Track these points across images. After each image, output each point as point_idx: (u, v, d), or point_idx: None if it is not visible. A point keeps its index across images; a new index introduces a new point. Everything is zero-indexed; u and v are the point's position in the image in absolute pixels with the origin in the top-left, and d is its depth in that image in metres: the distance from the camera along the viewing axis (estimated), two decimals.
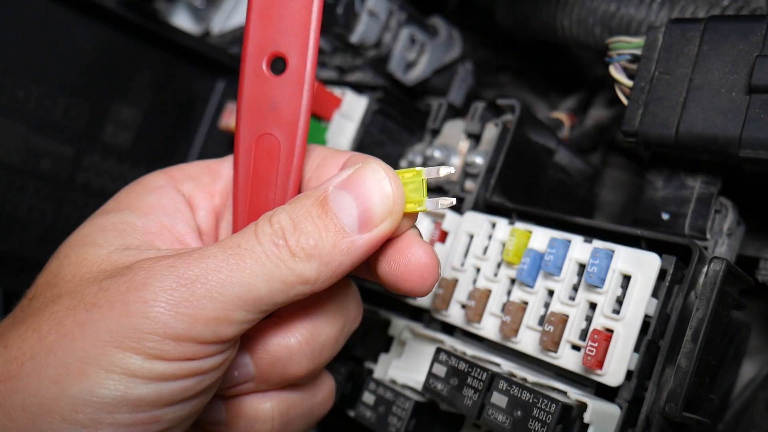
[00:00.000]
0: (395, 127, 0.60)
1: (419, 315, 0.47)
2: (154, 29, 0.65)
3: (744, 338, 0.45)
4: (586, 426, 0.35)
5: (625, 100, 0.42)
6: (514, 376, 0.38)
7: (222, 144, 0.71)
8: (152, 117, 0.71)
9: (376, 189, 0.32)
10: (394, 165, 0.61)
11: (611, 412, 0.36)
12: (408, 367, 0.45)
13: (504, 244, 0.43)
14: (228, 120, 0.64)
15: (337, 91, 0.58)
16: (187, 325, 0.29)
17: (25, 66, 0.63)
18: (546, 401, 0.34)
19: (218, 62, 0.71)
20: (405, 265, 0.33)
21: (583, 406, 0.35)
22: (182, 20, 0.86)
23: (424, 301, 0.46)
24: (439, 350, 0.40)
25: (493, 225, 0.44)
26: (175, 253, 0.31)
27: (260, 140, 0.36)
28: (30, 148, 0.64)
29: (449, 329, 0.46)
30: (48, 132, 0.65)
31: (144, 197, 0.36)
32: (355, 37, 0.61)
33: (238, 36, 0.74)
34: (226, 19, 0.81)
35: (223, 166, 0.40)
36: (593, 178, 0.56)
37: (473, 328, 0.43)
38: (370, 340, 0.45)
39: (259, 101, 0.36)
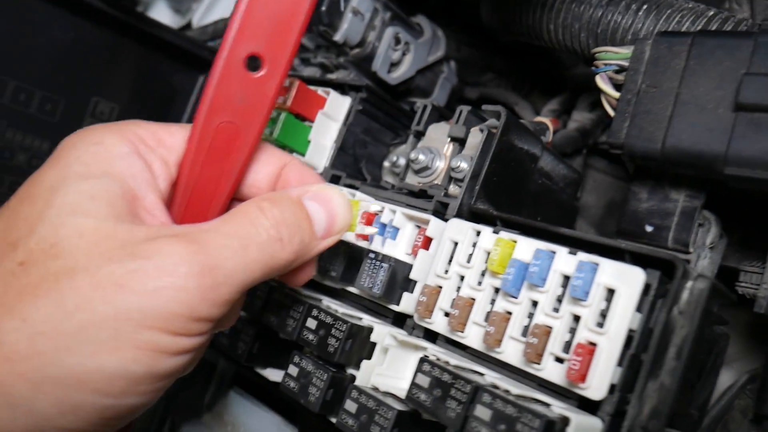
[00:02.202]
0: (379, 127, 0.59)
1: (402, 321, 0.47)
2: (133, 23, 0.64)
3: (722, 349, 0.46)
4: None
5: (611, 112, 0.42)
6: (498, 387, 0.38)
7: None
8: (131, 112, 0.70)
9: (341, 208, 0.40)
10: (378, 166, 0.61)
11: (593, 425, 0.36)
12: (390, 374, 0.45)
13: (488, 253, 0.42)
14: None
15: (320, 91, 0.58)
16: (209, 307, 0.33)
17: (0, 59, 0.62)
18: (530, 416, 0.34)
19: (199, 57, 0.69)
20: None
21: (566, 420, 0.35)
22: (162, 10, 0.85)
23: (407, 308, 0.46)
24: (422, 360, 0.40)
25: (478, 233, 0.44)
26: (182, 234, 0.33)
27: (219, 127, 0.39)
28: (5, 142, 0.63)
29: (432, 336, 0.46)
30: (24, 126, 0.64)
31: (115, 163, 0.36)
32: (339, 36, 0.60)
33: (219, 29, 0.72)
34: (206, 11, 0.79)
35: (173, 137, 0.40)
36: (577, 183, 0.57)
37: (457, 337, 0.43)
38: (352, 347, 0.45)
39: (229, 93, 0.38)
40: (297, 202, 0.38)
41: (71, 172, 0.35)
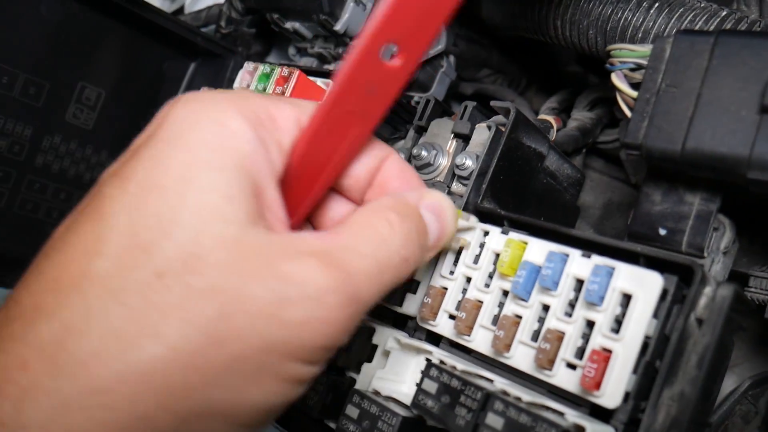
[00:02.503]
0: None
1: (404, 323, 0.46)
2: (123, 4, 0.61)
3: (729, 354, 0.45)
4: None
5: (627, 111, 0.41)
6: (508, 394, 0.37)
7: None
8: (118, 98, 0.67)
9: (451, 222, 0.39)
10: None
11: None
12: (392, 378, 0.44)
13: (497, 255, 0.41)
14: None
15: (319, 82, 0.56)
16: (346, 336, 0.32)
17: None
18: (545, 425, 0.33)
19: (191, 43, 0.67)
20: None
21: (581, 429, 0.34)
22: None
23: (410, 309, 0.45)
24: (430, 365, 0.38)
25: (486, 233, 0.43)
26: (322, 253, 0.31)
27: (341, 115, 0.36)
28: None
29: (434, 339, 0.44)
30: (6, 110, 0.61)
31: (243, 152, 0.31)
32: (339, 26, 0.58)
33: (213, 14, 0.70)
34: None
35: (283, 116, 0.35)
36: (580, 184, 0.55)
37: (463, 341, 0.41)
38: (353, 349, 0.43)
39: (361, 82, 0.35)
40: (418, 215, 0.36)
41: (200, 160, 0.30)
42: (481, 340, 0.41)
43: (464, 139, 0.51)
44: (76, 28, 0.63)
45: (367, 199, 0.40)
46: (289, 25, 0.62)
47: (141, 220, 0.28)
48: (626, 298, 0.36)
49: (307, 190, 0.37)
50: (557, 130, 0.59)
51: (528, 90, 0.82)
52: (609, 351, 0.35)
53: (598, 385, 0.35)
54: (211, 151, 0.30)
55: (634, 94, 0.40)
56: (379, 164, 0.39)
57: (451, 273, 0.43)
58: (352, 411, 0.41)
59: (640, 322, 0.35)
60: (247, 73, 0.58)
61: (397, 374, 0.44)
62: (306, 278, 0.29)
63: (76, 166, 0.66)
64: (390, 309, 0.46)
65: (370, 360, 0.44)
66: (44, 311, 0.28)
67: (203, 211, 0.29)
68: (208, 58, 0.69)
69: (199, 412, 0.28)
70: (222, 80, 0.66)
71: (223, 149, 0.31)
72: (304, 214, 0.38)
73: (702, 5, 0.50)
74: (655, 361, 0.36)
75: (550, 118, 0.57)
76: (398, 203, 0.36)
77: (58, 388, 0.26)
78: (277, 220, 0.33)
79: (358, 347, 0.44)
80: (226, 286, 0.28)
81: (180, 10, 0.77)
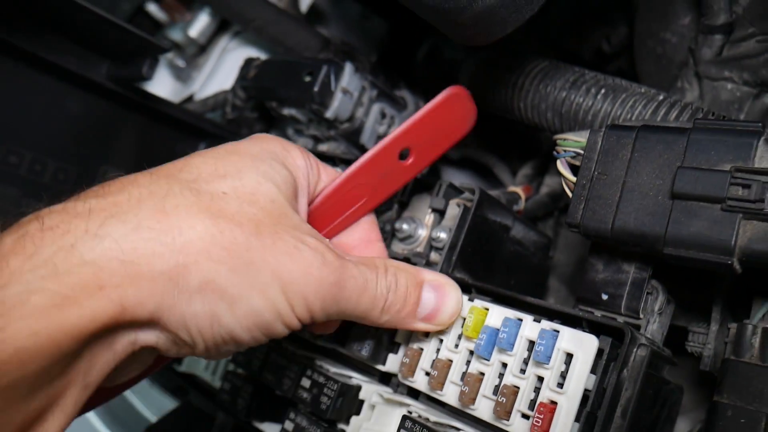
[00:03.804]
0: None
1: (388, 379, 0.52)
2: (137, 99, 0.69)
3: (677, 401, 0.51)
4: None
5: (569, 194, 0.47)
6: None
7: None
8: None
9: (451, 307, 0.47)
10: None
11: None
12: (377, 428, 0.50)
13: (464, 319, 0.48)
14: None
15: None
16: (318, 309, 0.40)
17: (17, 133, 0.67)
18: None
19: (198, 127, 0.75)
20: None
21: None
22: (164, 78, 0.91)
23: (392, 368, 0.51)
24: (404, 418, 0.45)
25: None
26: (335, 246, 0.43)
27: (357, 185, 0.50)
28: (23, 211, 0.68)
29: (415, 393, 0.51)
30: (39, 194, 0.69)
31: (296, 165, 0.45)
32: (329, 113, 0.66)
33: (220, 100, 0.78)
34: (206, 81, 0.85)
35: (325, 173, 0.50)
36: (547, 247, 0.62)
37: (436, 395, 0.47)
38: (343, 404, 0.50)
39: (376, 168, 0.50)
40: (418, 283, 0.46)
41: (267, 153, 0.43)
42: (451, 394, 0.47)
43: (440, 213, 0.58)
44: (97, 119, 0.71)
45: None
46: (286, 111, 0.70)
47: (222, 165, 0.40)
48: (569, 357, 0.43)
49: (323, 227, 0.49)
50: (526, 199, 0.66)
51: (510, 154, 0.89)
52: (555, 403, 0.42)
53: None
54: (275, 154, 0.44)
55: (574, 179, 0.47)
56: (368, 236, 0.52)
57: (426, 336, 0.50)
58: None
59: (580, 378, 0.42)
60: None
61: (381, 425, 0.50)
62: (318, 250, 0.40)
63: None
64: (375, 368, 0.52)
65: (358, 413, 0.50)
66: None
67: (266, 175, 0.41)
68: (215, 139, 0.77)
69: (211, 313, 0.37)
70: None
71: (282, 159, 0.44)
72: None
73: (642, 90, 0.57)
74: (596, 411, 0.42)
75: (519, 189, 0.64)
76: (406, 267, 0.46)
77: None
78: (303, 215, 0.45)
79: (346, 402, 0.50)
80: (265, 221, 0.39)
81: (190, 98, 0.85)
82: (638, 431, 0.40)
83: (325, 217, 0.49)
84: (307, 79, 0.66)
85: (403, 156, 0.51)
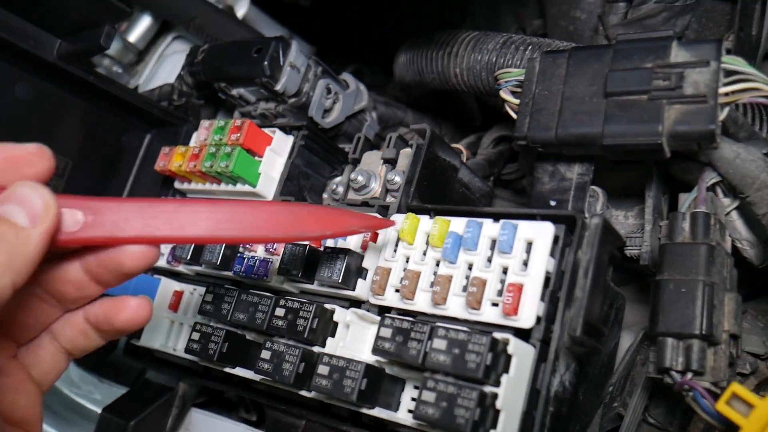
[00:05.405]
0: (318, 161, 0.69)
1: (358, 306, 0.55)
2: (88, 79, 0.70)
3: (621, 306, 0.56)
4: (510, 357, 0.43)
5: (514, 115, 0.53)
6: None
7: (151, 188, 0.76)
8: (83, 167, 0.76)
9: (26, 193, 0.38)
10: (319, 194, 0.69)
11: (528, 349, 0.45)
12: (353, 347, 0.52)
13: (428, 234, 0.51)
14: (163, 162, 0.69)
15: (267, 131, 0.67)
16: None
17: None
18: (478, 336, 0.43)
19: (147, 113, 0.76)
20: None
21: (506, 341, 0.43)
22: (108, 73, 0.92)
23: (362, 294, 0.54)
24: (384, 317, 0.47)
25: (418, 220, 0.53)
26: None
27: None
28: None
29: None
30: None
31: None
32: (279, 86, 0.70)
33: (165, 92, 0.80)
34: (150, 75, 0.87)
35: None
36: (490, 196, 0.67)
37: (407, 305, 0.51)
38: (318, 325, 0.52)
39: None
40: None
41: None
42: (423, 301, 0.50)
43: (392, 163, 0.62)
44: (44, 104, 0.72)
45: None
46: (234, 91, 0.73)
47: None
48: (529, 246, 0.47)
49: None
50: (467, 158, 0.71)
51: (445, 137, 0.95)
52: (521, 285, 0.46)
53: (515, 311, 0.45)
54: None
55: (517, 101, 0.53)
56: None
57: (393, 255, 0.53)
58: (323, 369, 0.49)
59: (541, 261, 0.46)
60: (204, 129, 0.68)
61: (356, 347, 0.53)
62: None
63: None
64: (345, 297, 0.55)
65: (333, 335, 0.53)
66: None
67: None
68: (162, 128, 0.79)
69: None
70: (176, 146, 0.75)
71: None
72: None
73: (564, 44, 0.64)
74: (557, 290, 0.46)
75: (461, 146, 0.70)
76: None
77: None
78: None
79: (322, 324, 0.52)
80: None
81: (136, 89, 0.87)
82: (596, 297, 0.45)
83: None
84: (256, 55, 0.69)
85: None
